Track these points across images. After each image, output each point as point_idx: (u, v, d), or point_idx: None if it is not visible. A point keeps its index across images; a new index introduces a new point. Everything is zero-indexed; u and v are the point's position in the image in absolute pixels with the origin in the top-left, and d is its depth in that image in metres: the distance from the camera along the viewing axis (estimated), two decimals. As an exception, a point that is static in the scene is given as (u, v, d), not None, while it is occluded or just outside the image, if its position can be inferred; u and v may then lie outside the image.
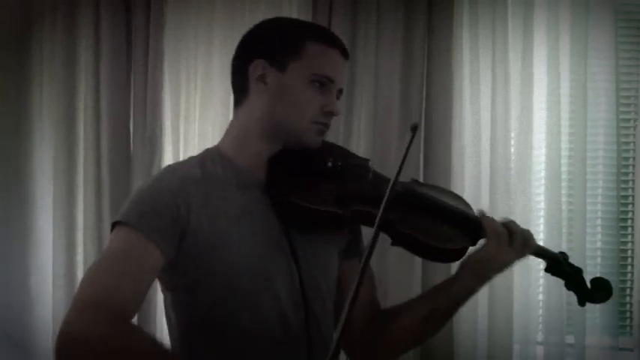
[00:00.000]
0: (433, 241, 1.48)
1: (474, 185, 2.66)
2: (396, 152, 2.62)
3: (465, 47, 2.69)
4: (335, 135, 2.66)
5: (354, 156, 1.60)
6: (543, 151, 2.68)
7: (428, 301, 1.53)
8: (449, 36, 2.67)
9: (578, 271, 1.55)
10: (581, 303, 1.55)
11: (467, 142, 2.68)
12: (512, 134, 2.67)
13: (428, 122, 2.69)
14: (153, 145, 2.75)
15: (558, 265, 1.57)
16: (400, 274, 2.62)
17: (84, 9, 2.77)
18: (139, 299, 1.33)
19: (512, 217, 2.54)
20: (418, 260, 2.63)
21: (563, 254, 1.60)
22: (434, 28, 2.68)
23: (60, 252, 2.78)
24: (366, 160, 1.57)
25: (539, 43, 2.66)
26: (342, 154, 1.57)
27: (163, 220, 1.34)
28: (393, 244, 1.48)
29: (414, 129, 1.41)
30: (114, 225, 1.39)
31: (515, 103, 2.66)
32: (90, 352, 1.21)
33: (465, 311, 2.61)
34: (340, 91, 1.51)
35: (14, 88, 2.85)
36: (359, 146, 2.67)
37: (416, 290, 2.63)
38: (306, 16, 2.63)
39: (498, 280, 2.50)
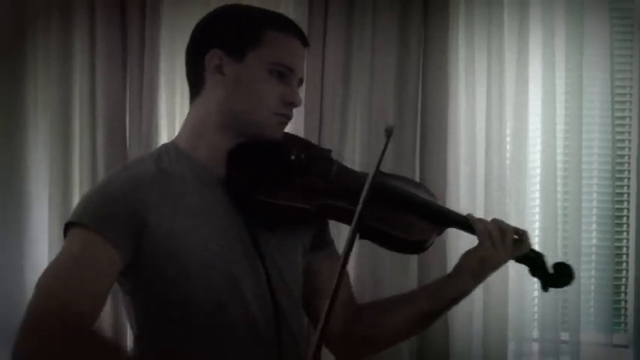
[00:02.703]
0: (401, 234, 1.45)
1: (469, 183, 2.66)
2: (391, 155, 2.61)
3: (460, 48, 2.68)
4: (330, 136, 2.66)
5: (316, 147, 1.57)
6: (539, 148, 2.68)
7: (423, 301, 1.51)
8: (444, 37, 2.66)
9: (540, 257, 1.55)
10: (545, 288, 1.55)
11: (462, 141, 2.68)
12: (508, 132, 2.67)
13: (423, 122, 2.68)
14: (149, 144, 2.75)
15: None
16: (396, 272, 2.62)
17: (79, 9, 2.76)
18: (99, 303, 1.27)
19: (508, 215, 2.60)
20: (414, 264, 2.64)
21: None
22: (429, 28, 2.68)
23: (56, 251, 2.75)
24: (328, 151, 1.53)
25: (534, 42, 2.66)
26: (304, 145, 1.53)
27: (119, 220, 1.28)
28: (361, 237, 1.44)
29: (389, 133, 1.37)
30: (67, 227, 1.32)
31: (511, 102, 2.66)
32: None
33: (459, 308, 2.61)
34: (301, 81, 1.46)
35: (8, 87, 2.84)
36: (354, 147, 2.67)
37: (411, 288, 2.63)
38: (301, 17, 2.62)
39: (493, 277, 2.52)
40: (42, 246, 2.82)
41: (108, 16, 2.75)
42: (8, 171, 2.84)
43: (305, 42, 1.45)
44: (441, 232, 1.53)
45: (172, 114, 2.79)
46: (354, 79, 2.70)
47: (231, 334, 1.33)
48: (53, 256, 2.82)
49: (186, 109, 2.77)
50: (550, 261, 1.58)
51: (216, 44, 1.39)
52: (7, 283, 2.82)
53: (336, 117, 2.69)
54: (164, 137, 2.78)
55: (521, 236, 1.51)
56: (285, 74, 1.40)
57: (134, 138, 2.77)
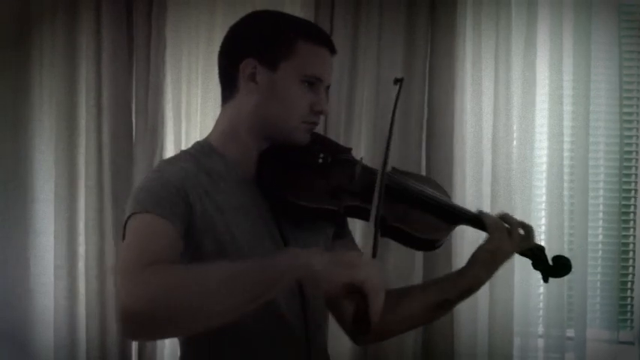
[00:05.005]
0: (420, 233, 1.50)
1: (475, 180, 2.65)
2: (398, 155, 2.61)
3: (467, 45, 2.67)
4: (335, 135, 2.65)
5: (338, 147, 1.61)
6: (545, 144, 2.67)
7: (440, 291, 1.58)
8: (451, 35, 2.65)
9: (542, 250, 1.62)
10: (546, 280, 1.65)
11: (469, 138, 2.67)
12: (515, 128, 2.66)
13: (430, 120, 2.68)
14: (154, 136, 2.75)
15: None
16: (401, 267, 2.62)
17: (85, 3, 2.76)
18: (172, 258, 1.28)
19: (514, 211, 2.59)
20: (419, 256, 2.64)
21: None
22: (436, 26, 2.67)
23: (61, 243, 2.79)
24: (348, 150, 1.59)
25: (542, 39, 2.65)
26: (329, 146, 1.58)
27: (172, 204, 1.33)
28: (381, 235, 1.48)
29: (399, 81, 1.45)
30: (127, 219, 1.35)
31: (518, 99, 2.65)
32: (159, 306, 1.14)
33: (465, 304, 2.60)
34: (327, 87, 1.51)
35: (14, 81, 2.84)
36: (359, 146, 2.66)
37: (417, 282, 2.63)
38: (308, 15, 2.61)
39: (499, 273, 2.53)
40: (47, 238, 2.82)
41: (114, 11, 2.75)
42: (14, 164, 2.84)
43: (333, 50, 1.50)
44: (452, 229, 1.58)
45: (178, 109, 2.79)
46: (361, 77, 2.69)
47: (259, 325, 1.38)
48: (58, 248, 2.87)
49: (192, 105, 2.85)
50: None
51: (250, 53, 1.44)
52: (12, 274, 2.83)
53: (342, 116, 2.68)
54: (170, 132, 2.79)
55: (528, 231, 1.58)
56: (314, 83, 1.46)
57: (140, 132, 2.77)
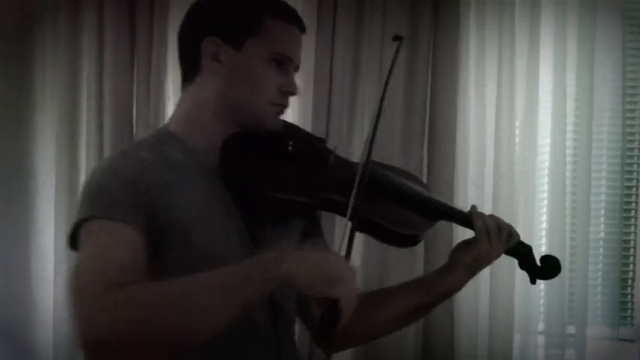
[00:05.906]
0: (397, 228, 1.42)
1: (477, 177, 2.64)
2: (400, 154, 2.61)
3: (471, 42, 2.66)
4: (338, 132, 2.63)
5: (310, 136, 1.52)
6: (548, 141, 2.66)
7: (415, 295, 1.52)
8: (455, 36, 2.64)
9: (529, 250, 1.54)
10: (533, 281, 1.55)
11: (471, 135, 2.66)
12: (517, 125, 2.65)
13: (432, 118, 2.66)
14: (155, 132, 2.74)
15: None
16: (402, 262, 2.61)
17: (87, 1, 2.75)
18: (139, 270, 1.18)
19: (516, 209, 2.59)
20: (420, 257, 2.63)
21: None
22: (439, 28, 2.65)
23: (62, 239, 2.77)
24: (323, 140, 1.50)
25: (546, 36, 2.63)
26: (297, 133, 1.47)
27: (138, 205, 1.23)
28: (357, 230, 1.37)
29: (399, 39, 1.36)
30: (78, 225, 1.23)
31: (521, 100, 2.64)
32: (135, 333, 1.08)
33: (466, 301, 2.63)
34: (296, 68, 1.41)
35: (17, 76, 2.83)
36: (361, 146, 2.64)
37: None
38: (310, 15, 2.60)
39: (500, 270, 2.55)
40: (48, 235, 2.81)
41: (116, 11, 2.73)
42: (15, 160, 2.84)
43: (303, 29, 1.41)
44: (433, 224, 1.50)
45: (179, 102, 2.78)
46: (363, 75, 2.67)
47: (229, 331, 1.24)
48: (59, 246, 2.85)
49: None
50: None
51: (213, 31, 1.35)
52: (13, 272, 2.83)
53: (344, 113, 2.67)
54: (172, 128, 2.77)
55: (510, 230, 1.51)
56: (284, 62, 1.37)
57: (141, 131, 2.76)
